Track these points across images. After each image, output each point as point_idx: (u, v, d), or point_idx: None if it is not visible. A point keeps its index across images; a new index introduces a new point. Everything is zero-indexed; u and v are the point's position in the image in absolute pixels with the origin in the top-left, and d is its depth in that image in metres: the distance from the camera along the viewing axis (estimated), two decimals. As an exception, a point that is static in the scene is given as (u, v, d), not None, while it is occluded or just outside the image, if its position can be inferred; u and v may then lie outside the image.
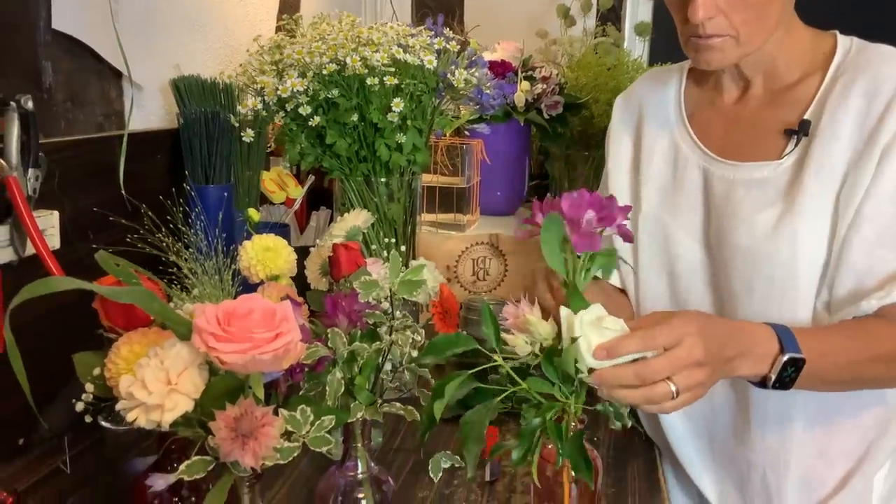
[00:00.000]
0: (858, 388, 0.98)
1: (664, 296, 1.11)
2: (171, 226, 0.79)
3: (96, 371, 0.74)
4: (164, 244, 0.72)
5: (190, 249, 0.72)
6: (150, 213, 0.78)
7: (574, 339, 0.76)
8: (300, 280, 0.99)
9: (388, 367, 0.83)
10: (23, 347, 0.68)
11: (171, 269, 0.75)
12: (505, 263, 1.62)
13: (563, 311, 0.78)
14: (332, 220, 1.63)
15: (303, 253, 1.04)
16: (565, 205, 0.80)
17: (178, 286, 0.74)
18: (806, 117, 0.99)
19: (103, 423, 1.14)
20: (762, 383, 0.86)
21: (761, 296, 1.00)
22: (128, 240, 0.78)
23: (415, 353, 0.83)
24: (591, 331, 0.76)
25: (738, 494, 1.09)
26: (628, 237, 0.84)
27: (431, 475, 0.81)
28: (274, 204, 1.60)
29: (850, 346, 0.90)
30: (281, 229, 1.48)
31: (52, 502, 0.94)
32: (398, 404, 0.82)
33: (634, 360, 0.77)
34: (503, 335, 0.80)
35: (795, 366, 0.85)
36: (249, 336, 0.63)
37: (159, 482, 0.68)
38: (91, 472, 1.01)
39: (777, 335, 0.85)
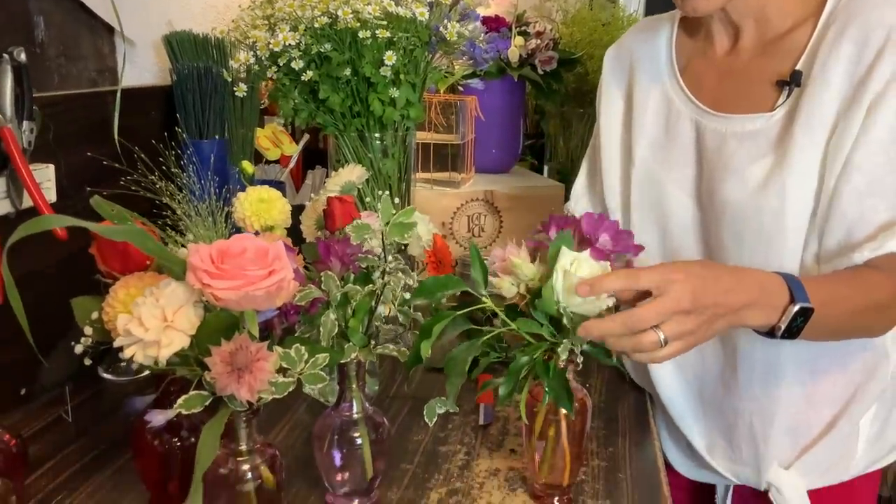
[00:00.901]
0: (850, 338, 1.00)
1: (656, 253, 1.12)
2: (164, 167, 0.80)
3: (94, 315, 0.76)
4: (158, 187, 0.73)
5: (183, 192, 0.73)
6: (142, 155, 0.79)
7: (554, 277, 0.77)
8: (296, 236, 1.01)
9: (381, 310, 0.84)
10: (23, 300, 0.70)
11: (164, 213, 0.76)
12: (500, 220, 1.63)
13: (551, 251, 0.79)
14: (327, 178, 1.63)
15: (299, 211, 1.06)
16: (584, 221, 0.82)
17: (174, 230, 0.75)
18: (797, 67, 0.99)
19: (104, 375, 1.16)
20: (770, 333, 0.86)
21: (750, 248, 1.00)
22: (122, 182, 0.79)
23: (408, 297, 0.84)
24: (573, 270, 0.78)
25: (725, 443, 1.10)
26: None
27: (426, 420, 0.83)
28: (269, 163, 1.60)
29: (849, 294, 0.91)
30: (277, 187, 1.49)
31: (55, 449, 0.96)
32: (391, 346, 0.84)
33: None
34: (490, 278, 0.82)
35: (804, 315, 0.85)
36: (243, 273, 0.65)
37: (158, 418, 0.70)
38: (93, 421, 1.03)
39: (787, 284, 0.85)
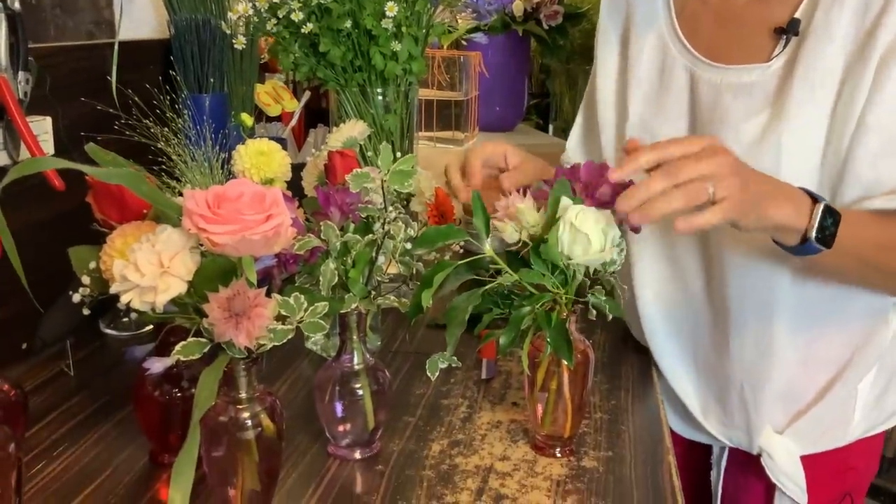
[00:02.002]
0: (873, 284, 0.96)
1: None
2: (159, 111, 0.79)
3: (92, 265, 0.75)
4: (153, 132, 0.71)
5: (178, 137, 0.72)
6: (136, 98, 0.78)
7: (559, 228, 0.76)
8: (297, 193, 0.99)
9: (381, 261, 0.83)
10: (23, 255, 0.69)
11: (162, 161, 0.75)
12: (504, 178, 1.61)
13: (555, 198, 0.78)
14: (329, 135, 1.62)
15: (301, 170, 1.04)
16: (584, 170, 0.81)
17: (171, 177, 0.74)
18: (796, 15, 0.94)
19: (106, 330, 1.16)
20: (802, 241, 0.82)
21: None
22: (115, 127, 0.78)
23: (409, 247, 0.83)
24: (578, 222, 0.77)
25: (719, 408, 1.09)
26: (636, 229, 0.82)
27: (428, 374, 0.83)
28: (270, 120, 1.59)
29: (877, 228, 0.88)
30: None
31: (57, 402, 0.96)
32: (392, 296, 0.83)
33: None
34: (493, 222, 0.81)
35: (833, 218, 0.81)
36: (239, 218, 0.64)
37: (156, 365, 0.70)
38: (94, 375, 1.03)
39: (808, 194, 0.82)
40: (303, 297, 0.70)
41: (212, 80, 1.22)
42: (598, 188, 0.80)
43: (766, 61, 0.96)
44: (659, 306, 1.09)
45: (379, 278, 0.85)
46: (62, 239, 0.78)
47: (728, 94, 0.98)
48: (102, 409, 0.94)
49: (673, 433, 1.15)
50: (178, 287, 0.65)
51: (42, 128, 1.01)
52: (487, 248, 0.80)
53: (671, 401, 1.15)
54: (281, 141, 1.53)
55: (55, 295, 1.00)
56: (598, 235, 0.76)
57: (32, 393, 0.97)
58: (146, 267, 0.64)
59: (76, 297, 0.74)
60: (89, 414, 0.93)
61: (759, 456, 1.07)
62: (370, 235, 0.81)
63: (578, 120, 1.24)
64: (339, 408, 0.85)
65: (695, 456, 1.18)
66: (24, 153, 0.96)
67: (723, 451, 1.13)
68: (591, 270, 0.81)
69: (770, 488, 1.08)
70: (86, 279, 0.74)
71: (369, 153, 1.26)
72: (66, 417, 0.92)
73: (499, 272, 0.81)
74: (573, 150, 1.23)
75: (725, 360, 1.05)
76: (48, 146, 1.01)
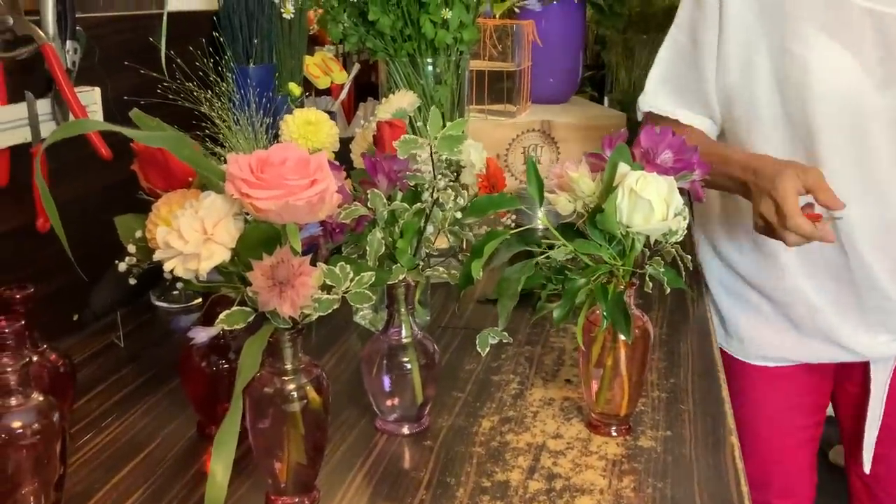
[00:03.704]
0: None
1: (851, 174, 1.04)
2: (203, 76, 0.77)
3: (138, 234, 0.74)
4: (196, 95, 0.70)
5: (222, 101, 0.70)
6: (184, 67, 0.76)
7: (618, 195, 0.72)
8: (346, 165, 0.97)
9: (430, 231, 0.80)
10: (73, 227, 0.68)
11: (206, 126, 0.73)
12: (557, 151, 1.57)
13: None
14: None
15: (350, 143, 1.02)
16: (644, 136, 0.77)
17: (215, 143, 0.72)
18: None
19: (157, 303, 1.16)
20: None
21: None
22: (158, 91, 0.76)
23: (459, 217, 0.80)
24: (639, 188, 0.73)
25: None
26: (699, 197, 0.80)
27: (479, 349, 0.80)
28: (320, 94, 1.57)
29: None
30: (328, 118, 1.46)
31: (106, 374, 0.96)
32: (441, 268, 0.80)
33: None
34: (547, 194, 0.77)
35: None
36: (283, 183, 0.62)
37: (201, 335, 0.69)
38: (144, 347, 1.03)
39: None
40: (349, 266, 0.68)
41: (260, 50, 1.20)
42: (658, 154, 0.76)
43: None
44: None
45: (427, 250, 0.82)
46: (112, 210, 0.77)
47: None
48: (151, 381, 0.94)
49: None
50: (221, 254, 0.63)
51: (91, 98, 1.00)
52: (541, 216, 0.76)
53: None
54: (330, 114, 1.51)
55: (106, 267, 1.00)
56: (660, 203, 0.72)
57: (82, 364, 0.97)
58: (189, 234, 0.63)
59: (122, 267, 0.73)
60: (138, 385, 0.93)
61: None
62: (418, 204, 0.78)
63: (663, 58, 1.19)
64: (386, 381, 0.83)
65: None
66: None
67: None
68: (652, 241, 0.77)
69: None
70: (131, 248, 0.73)
71: (419, 124, 1.23)
72: (115, 389, 0.92)
73: (551, 246, 0.78)
74: (656, 94, 1.19)
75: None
76: (97, 116, 1.01)
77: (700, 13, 1.11)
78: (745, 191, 1.01)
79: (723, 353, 1.15)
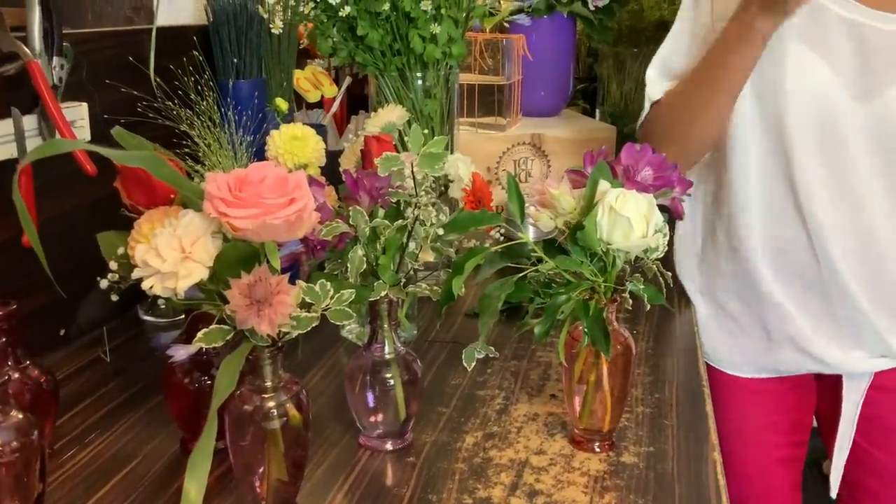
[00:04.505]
0: None
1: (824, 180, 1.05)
2: (188, 95, 0.77)
3: (120, 250, 0.74)
4: (176, 114, 0.70)
5: (202, 119, 0.70)
6: (172, 84, 0.76)
7: (598, 212, 0.73)
8: (336, 179, 0.97)
9: (412, 247, 0.80)
10: (59, 242, 0.69)
11: (187, 145, 0.74)
12: (548, 164, 1.57)
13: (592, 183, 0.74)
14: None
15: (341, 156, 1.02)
16: (624, 154, 0.77)
17: (196, 162, 0.72)
18: None
19: (144, 317, 1.16)
20: None
21: None
22: (138, 109, 0.76)
23: (441, 233, 0.81)
24: (618, 206, 0.73)
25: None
26: (679, 214, 0.81)
27: (465, 364, 0.80)
28: (312, 107, 1.57)
29: None
30: (319, 131, 1.46)
31: (91, 389, 0.96)
32: (423, 284, 0.80)
33: None
34: (528, 210, 0.78)
35: None
36: (261, 202, 0.62)
37: (180, 352, 0.69)
38: (130, 361, 1.03)
39: None
40: (329, 284, 0.68)
41: (249, 65, 1.21)
42: (639, 171, 0.76)
43: None
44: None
45: (413, 266, 0.83)
46: (99, 225, 0.77)
47: None
48: (136, 396, 0.94)
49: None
50: (199, 273, 0.64)
51: (78, 114, 1.00)
52: (523, 233, 0.77)
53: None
54: (322, 127, 1.51)
55: (92, 282, 1.00)
56: (639, 220, 0.73)
57: (68, 379, 0.97)
58: (167, 252, 0.63)
59: (104, 283, 0.73)
60: (123, 401, 0.93)
61: None
62: (399, 221, 0.78)
63: (668, 45, 1.18)
64: (369, 398, 0.83)
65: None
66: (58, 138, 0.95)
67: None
68: (633, 258, 0.77)
69: None
70: (113, 265, 0.74)
71: (408, 139, 1.24)
72: (99, 404, 0.92)
73: (540, 260, 0.78)
74: (658, 82, 1.17)
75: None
76: (84, 132, 1.01)
77: (697, 10, 1.13)
78: (747, 32, 1.00)
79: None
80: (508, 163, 1.56)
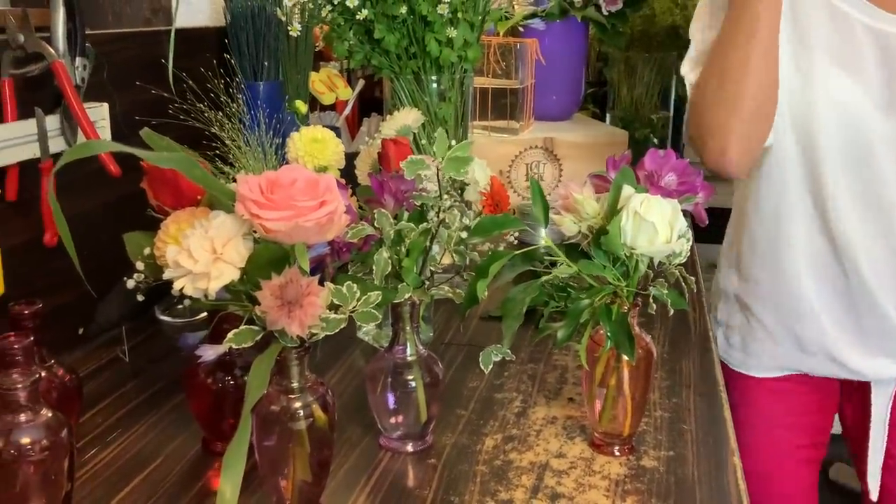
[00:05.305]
0: None
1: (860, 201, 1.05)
2: (213, 96, 0.78)
3: (147, 251, 0.74)
4: (207, 116, 0.70)
5: (232, 121, 0.71)
6: (191, 84, 0.77)
7: (622, 217, 0.73)
8: (350, 181, 0.98)
9: (435, 250, 0.81)
10: (80, 242, 0.69)
11: (216, 145, 0.74)
12: (560, 168, 1.58)
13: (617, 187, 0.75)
14: (383, 122, 1.60)
15: (354, 158, 1.03)
16: (648, 159, 0.78)
17: (224, 163, 0.73)
18: None
19: (161, 317, 1.16)
20: None
21: None
22: (170, 111, 0.77)
23: (464, 237, 0.81)
24: (643, 211, 0.74)
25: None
26: (702, 220, 0.81)
27: (482, 367, 0.81)
28: (324, 109, 1.58)
29: None
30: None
31: (111, 388, 0.96)
32: (446, 287, 0.81)
33: None
34: (551, 215, 0.78)
35: None
36: (292, 204, 0.62)
37: (209, 353, 0.69)
38: (149, 361, 1.03)
39: None
40: (356, 286, 0.69)
41: (267, 67, 1.21)
42: (662, 177, 0.77)
43: None
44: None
45: (432, 268, 0.83)
46: (120, 226, 0.77)
47: None
48: (156, 396, 0.94)
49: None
50: (230, 274, 0.64)
51: (99, 114, 1.01)
52: (545, 237, 0.77)
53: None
54: (334, 129, 1.51)
55: (112, 281, 1.01)
56: (664, 225, 0.73)
57: (87, 378, 0.97)
58: (199, 253, 0.63)
59: (130, 283, 0.74)
60: (143, 400, 0.93)
61: None
62: (424, 224, 0.79)
63: (702, 26, 1.12)
64: (390, 399, 0.83)
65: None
66: (81, 139, 0.96)
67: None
68: (655, 263, 0.77)
69: None
70: (140, 265, 0.74)
71: (423, 141, 1.24)
72: (120, 403, 0.93)
73: (553, 264, 0.78)
74: (693, 70, 1.12)
75: None
76: (105, 132, 1.02)
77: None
78: None
79: (723, 366, 1.16)
80: (520, 166, 1.57)
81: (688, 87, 1.11)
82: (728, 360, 1.23)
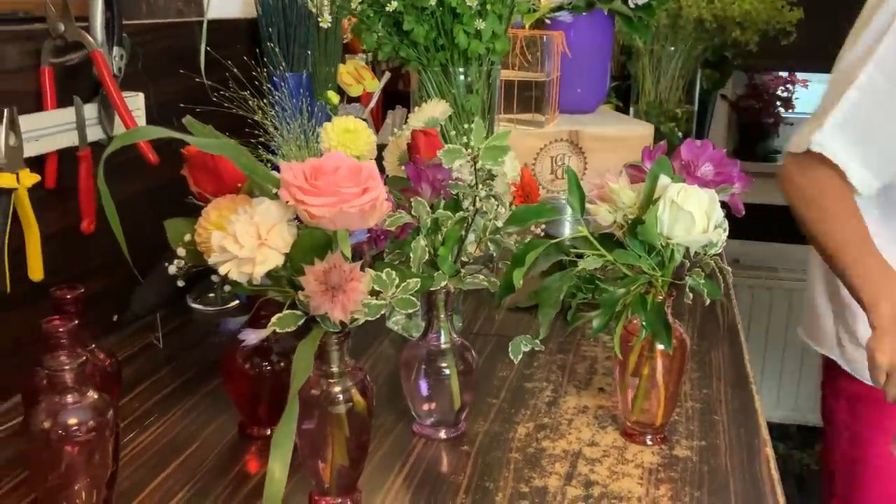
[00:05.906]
0: None
1: None
2: (249, 86, 0.79)
3: (187, 237, 0.75)
4: (252, 104, 0.71)
5: (275, 109, 0.71)
6: (228, 74, 0.77)
7: (659, 206, 0.73)
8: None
9: (471, 238, 0.82)
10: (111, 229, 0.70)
11: (256, 133, 0.75)
12: (585, 161, 1.58)
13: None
14: (409, 115, 1.61)
15: (379, 151, 1.04)
16: (685, 149, 0.78)
17: (265, 150, 0.74)
18: None
19: (193, 305, 1.18)
20: None
21: None
22: (214, 98, 0.78)
23: (499, 225, 0.82)
24: (680, 200, 0.74)
25: None
26: (738, 210, 0.80)
27: (512, 356, 0.81)
28: (350, 101, 1.59)
29: None
30: (358, 125, 1.47)
31: (147, 373, 0.97)
32: (481, 276, 0.81)
33: None
34: (587, 205, 0.79)
35: None
36: (337, 190, 0.63)
37: (252, 337, 0.70)
38: (182, 348, 1.04)
39: None
40: (394, 272, 0.70)
41: (297, 58, 1.22)
42: (699, 167, 0.77)
43: None
44: None
45: (464, 258, 0.84)
46: (152, 213, 0.78)
47: None
48: (190, 382, 0.96)
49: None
50: (275, 259, 0.65)
51: (135, 104, 1.02)
52: (583, 228, 0.77)
53: None
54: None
55: (145, 269, 1.02)
56: (701, 215, 0.73)
57: (122, 364, 0.98)
58: (244, 238, 0.64)
59: (172, 269, 0.75)
60: (178, 386, 0.95)
61: None
62: (461, 213, 0.80)
63: (850, 107, 1.04)
64: (424, 386, 0.84)
65: None
66: (118, 128, 0.97)
67: None
68: (691, 253, 0.78)
69: None
70: (181, 251, 0.75)
71: (451, 133, 1.25)
72: (155, 388, 0.94)
73: (580, 255, 0.79)
74: (833, 135, 1.05)
75: None
76: (140, 121, 1.03)
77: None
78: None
79: (845, 376, 1.19)
80: (546, 159, 1.57)
81: (815, 147, 1.05)
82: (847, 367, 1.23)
